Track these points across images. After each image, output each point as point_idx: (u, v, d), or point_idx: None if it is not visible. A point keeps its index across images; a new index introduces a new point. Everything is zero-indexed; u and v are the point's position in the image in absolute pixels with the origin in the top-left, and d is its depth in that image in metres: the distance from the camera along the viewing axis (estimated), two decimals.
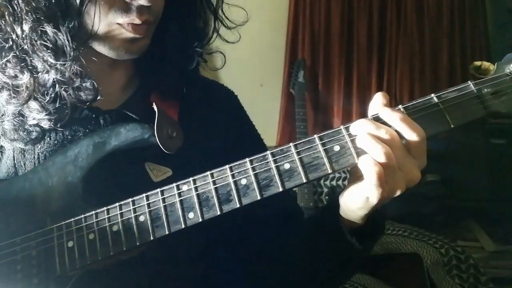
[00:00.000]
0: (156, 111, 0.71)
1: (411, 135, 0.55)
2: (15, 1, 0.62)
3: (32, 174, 0.70)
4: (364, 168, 0.55)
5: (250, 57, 2.44)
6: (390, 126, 0.56)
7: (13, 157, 0.73)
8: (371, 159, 0.55)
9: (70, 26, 0.63)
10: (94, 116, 0.72)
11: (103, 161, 0.68)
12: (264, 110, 2.57)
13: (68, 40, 0.63)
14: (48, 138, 0.72)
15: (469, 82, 0.58)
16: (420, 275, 1.70)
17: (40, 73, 0.65)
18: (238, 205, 0.59)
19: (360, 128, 0.57)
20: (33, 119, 0.68)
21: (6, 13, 0.63)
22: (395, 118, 0.56)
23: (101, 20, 0.64)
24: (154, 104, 0.72)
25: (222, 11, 0.79)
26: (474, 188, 2.22)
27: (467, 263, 1.62)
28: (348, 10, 2.68)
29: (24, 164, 0.72)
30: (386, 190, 0.55)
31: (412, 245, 1.80)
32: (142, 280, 0.69)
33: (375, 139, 0.55)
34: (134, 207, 0.62)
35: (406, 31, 2.73)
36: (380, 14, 2.71)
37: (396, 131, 0.56)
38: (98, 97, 0.68)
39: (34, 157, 0.72)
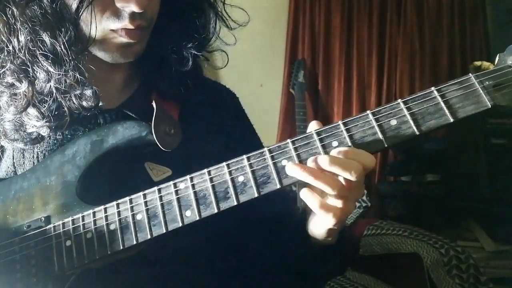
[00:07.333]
0: (155, 108, 0.71)
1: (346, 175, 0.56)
2: (10, 12, 0.61)
3: (30, 174, 0.70)
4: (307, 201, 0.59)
5: (250, 57, 2.44)
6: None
7: (13, 156, 0.73)
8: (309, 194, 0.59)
9: (67, 34, 0.63)
10: (94, 115, 0.72)
11: (101, 159, 0.68)
12: (264, 110, 2.57)
13: (66, 49, 0.63)
14: (48, 138, 0.71)
15: (470, 74, 0.56)
16: (420, 275, 1.69)
17: (39, 82, 0.65)
18: (235, 203, 0.58)
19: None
20: (32, 126, 0.68)
21: (1, 25, 0.62)
22: (325, 162, 0.57)
23: (95, 27, 0.64)
24: (153, 101, 0.72)
25: (225, 10, 0.79)
26: (474, 188, 2.21)
27: (467, 263, 1.62)
28: (348, 10, 2.69)
29: (23, 163, 0.72)
30: (337, 214, 0.58)
31: (412, 245, 1.80)
32: (140, 279, 0.68)
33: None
34: (132, 205, 0.62)
35: (406, 31, 2.73)
36: (380, 14, 2.72)
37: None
38: (100, 103, 0.68)
39: (33, 156, 0.72)
